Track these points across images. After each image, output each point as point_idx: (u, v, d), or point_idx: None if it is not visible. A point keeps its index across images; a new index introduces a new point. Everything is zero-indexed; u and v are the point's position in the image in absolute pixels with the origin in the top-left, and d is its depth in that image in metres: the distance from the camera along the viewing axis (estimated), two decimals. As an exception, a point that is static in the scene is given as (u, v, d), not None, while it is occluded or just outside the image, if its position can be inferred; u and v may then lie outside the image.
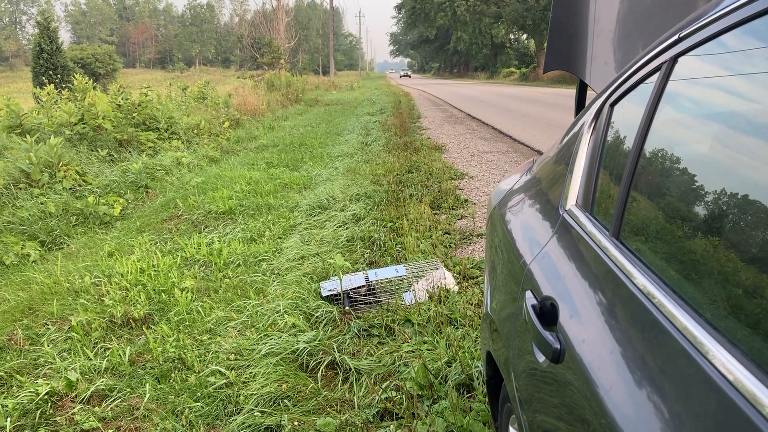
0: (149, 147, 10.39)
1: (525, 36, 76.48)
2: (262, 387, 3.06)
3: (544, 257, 1.53)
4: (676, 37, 1.25)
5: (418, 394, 2.98)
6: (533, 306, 1.38)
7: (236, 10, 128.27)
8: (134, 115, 11.16)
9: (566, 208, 1.58)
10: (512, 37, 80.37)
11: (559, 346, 1.20)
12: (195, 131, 12.48)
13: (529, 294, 1.48)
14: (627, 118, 1.47)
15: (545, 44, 2.47)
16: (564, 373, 1.19)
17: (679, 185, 1.17)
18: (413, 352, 3.42)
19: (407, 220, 5.93)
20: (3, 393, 3.18)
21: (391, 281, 4.40)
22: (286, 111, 20.90)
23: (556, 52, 2.55)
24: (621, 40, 2.29)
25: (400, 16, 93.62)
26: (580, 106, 2.56)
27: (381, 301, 4.18)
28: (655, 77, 1.31)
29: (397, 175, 8.32)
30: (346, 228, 5.86)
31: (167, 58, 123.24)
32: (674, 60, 1.24)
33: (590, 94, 2.26)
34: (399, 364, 3.31)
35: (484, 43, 77.62)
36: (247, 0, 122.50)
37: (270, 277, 4.72)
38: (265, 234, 5.94)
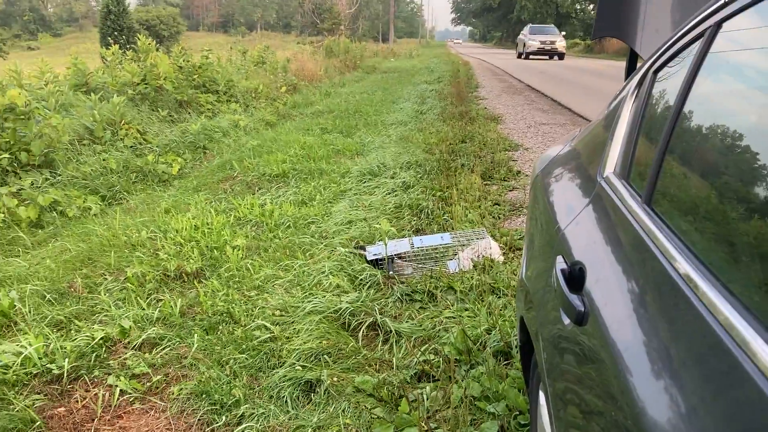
0: (208, 109, 10.60)
1: (591, 6, 74.07)
2: (305, 343, 3.15)
3: (578, 223, 1.53)
4: (722, 1, 1.22)
5: (456, 359, 3.02)
6: (562, 270, 1.39)
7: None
8: (195, 77, 11.38)
9: (604, 176, 1.57)
10: (578, 7, 77.94)
11: (583, 309, 1.21)
12: (253, 95, 12.66)
13: (560, 259, 1.48)
14: (668, 85, 1.45)
15: (595, 12, 2.40)
16: (586, 336, 1.20)
17: (714, 154, 1.16)
18: (454, 318, 3.46)
19: (457, 189, 5.92)
20: (62, 336, 3.36)
21: (436, 249, 4.42)
22: (344, 78, 20.92)
23: (606, 18, 2.49)
24: (674, 6, 2.22)
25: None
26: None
27: (425, 267, 4.22)
28: (698, 44, 1.28)
29: (450, 144, 8.27)
30: (395, 195, 5.89)
31: (230, 22, 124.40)
32: (718, 25, 1.21)
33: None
34: (439, 329, 3.35)
35: (548, 12, 75.58)
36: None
37: (318, 239, 4.81)
38: (315, 198, 6.02)
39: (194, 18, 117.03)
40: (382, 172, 6.78)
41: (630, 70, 2.56)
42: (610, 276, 1.23)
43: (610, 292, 1.18)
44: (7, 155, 6.02)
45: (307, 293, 3.75)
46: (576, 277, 1.35)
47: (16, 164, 6.26)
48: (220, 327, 3.43)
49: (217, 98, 11.30)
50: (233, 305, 3.65)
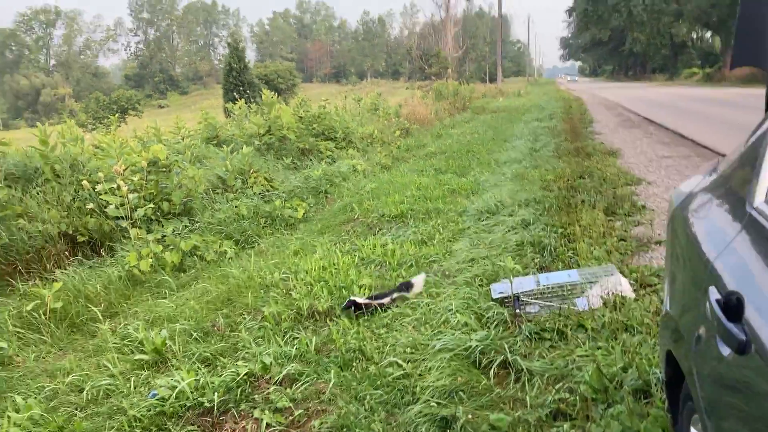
0: (328, 155, 11.08)
1: (709, 34, 70.92)
2: (437, 380, 3.20)
3: (730, 253, 1.51)
4: None
5: (592, 398, 2.96)
6: (717, 300, 1.38)
7: (406, 23, 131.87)
8: (314, 126, 11.95)
9: (754, 205, 1.55)
10: (694, 35, 74.89)
11: (744, 338, 1.20)
12: (369, 140, 13.09)
13: (713, 289, 1.47)
14: None
15: (733, 41, 2.33)
16: (749, 366, 1.19)
17: None
18: (587, 356, 3.39)
19: (579, 225, 5.82)
20: (210, 371, 3.60)
21: (562, 286, 4.36)
22: (453, 119, 21.14)
23: (745, 47, 2.42)
24: None
25: (571, 19, 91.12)
26: (773, 102, 2.43)
27: (553, 305, 4.17)
28: None
29: (568, 180, 8.16)
30: (515, 233, 5.87)
31: (341, 72, 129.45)
32: None
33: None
34: (572, 368, 3.30)
35: (662, 43, 73.06)
36: (417, 13, 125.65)
37: (441, 278, 4.88)
38: (434, 237, 6.12)
39: (308, 71, 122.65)
40: (500, 210, 6.79)
41: (772, 96, 2.47)
42: (775, 304, 1.21)
43: (776, 320, 1.17)
44: (151, 205, 6.56)
45: (435, 331, 3.82)
46: (733, 306, 1.34)
47: (158, 213, 6.81)
48: (354, 364, 3.55)
49: (336, 144, 11.78)
50: (364, 343, 3.77)
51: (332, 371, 3.44)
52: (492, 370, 3.35)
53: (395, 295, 4.46)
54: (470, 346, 3.53)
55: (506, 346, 3.54)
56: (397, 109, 18.68)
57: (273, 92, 13.80)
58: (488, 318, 3.98)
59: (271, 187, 8.53)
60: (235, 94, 32.20)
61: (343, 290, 4.72)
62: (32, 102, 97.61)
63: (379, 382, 3.30)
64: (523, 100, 32.74)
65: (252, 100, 15.48)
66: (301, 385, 3.37)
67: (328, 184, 9.16)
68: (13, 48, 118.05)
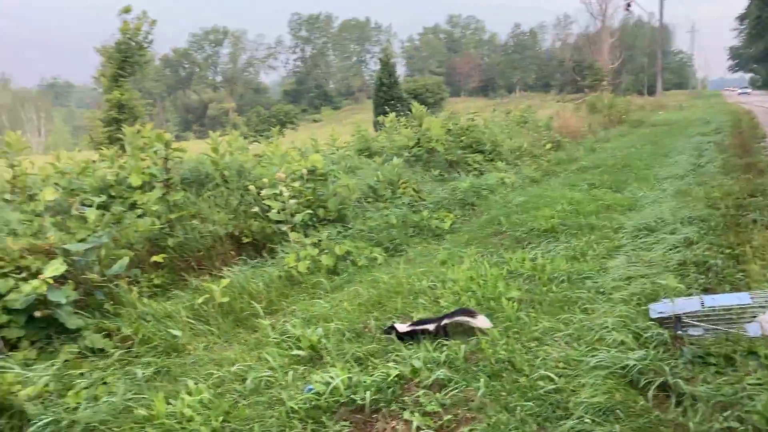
0: (475, 168, 11.07)
1: None
2: (592, 396, 3.10)
3: None
4: None
5: (765, 429, 2.73)
6: None
7: (558, 34, 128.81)
8: (462, 138, 12.00)
9: None
10: None
11: None
12: (517, 153, 12.92)
13: None
14: None
15: None
16: None
17: None
18: (759, 385, 3.14)
19: (750, 246, 5.38)
20: (362, 371, 3.72)
21: (730, 309, 4.06)
22: (608, 132, 20.33)
23: None
24: None
25: (743, 27, 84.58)
26: None
27: (719, 329, 3.89)
28: None
29: (737, 198, 7.56)
30: (677, 251, 5.54)
31: (489, 86, 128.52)
32: None
33: None
34: (741, 396, 3.07)
35: None
36: (571, 24, 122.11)
37: (595, 295, 4.71)
38: (588, 253, 5.91)
39: (456, 85, 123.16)
40: (661, 228, 6.43)
41: None
42: None
43: None
44: (309, 211, 6.90)
45: (589, 348, 3.70)
46: None
47: (315, 219, 7.15)
48: (503, 374, 3.52)
49: (484, 157, 11.76)
50: (514, 355, 3.72)
51: (481, 380, 3.43)
52: (650, 391, 3.19)
53: (445, 321, 4.16)
54: (627, 365, 3.39)
55: (666, 368, 3.36)
56: (548, 121, 18.27)
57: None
58: (647, 338, 3.79)
59: (419, 197, 8.67)
60: (387, 108, 33.12)
61: (492, 301, 4.69)
62: (200, 116, 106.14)
63: (529, 395, 3.25)
64: (686, 114, 30.84)
65: (401, 114, 15.85)
66: (450, 390, 3.39)
67: (476, 197, 9.14)
68: (186, 66, 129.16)
